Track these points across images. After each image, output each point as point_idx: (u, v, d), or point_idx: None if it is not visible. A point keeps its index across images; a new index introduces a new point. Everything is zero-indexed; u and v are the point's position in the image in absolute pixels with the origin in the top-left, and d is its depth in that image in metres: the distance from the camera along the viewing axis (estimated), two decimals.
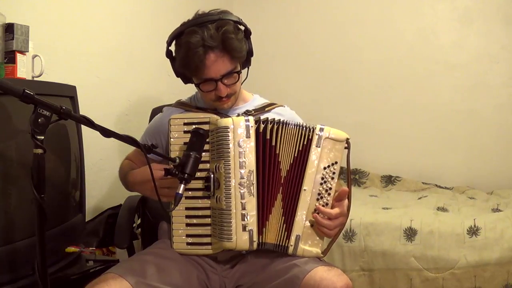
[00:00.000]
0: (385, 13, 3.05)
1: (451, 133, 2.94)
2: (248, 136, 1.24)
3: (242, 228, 1.22)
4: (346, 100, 3.16)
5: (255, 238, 1.22)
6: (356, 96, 3.13)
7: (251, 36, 1.35)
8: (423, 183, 2.93)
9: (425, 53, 2.96)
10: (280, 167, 1.26)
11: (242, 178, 1.22)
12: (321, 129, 1.25)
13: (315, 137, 1.25)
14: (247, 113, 1.36)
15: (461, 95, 2.90)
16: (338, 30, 3.16)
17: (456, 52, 2.91)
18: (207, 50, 1.23)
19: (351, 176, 3.02)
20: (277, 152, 1.25)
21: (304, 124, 1.27)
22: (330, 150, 1.25)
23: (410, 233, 2.05)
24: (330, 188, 1.25)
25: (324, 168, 1.25)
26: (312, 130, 1.26)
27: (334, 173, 1.25)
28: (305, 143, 1.25)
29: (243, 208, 1.22)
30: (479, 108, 2.87)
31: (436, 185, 2.90)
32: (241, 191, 1.22)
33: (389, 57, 3.04)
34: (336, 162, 1.25)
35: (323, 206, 1.24)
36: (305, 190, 1.24)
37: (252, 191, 1.23)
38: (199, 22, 1.25)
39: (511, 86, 2.82)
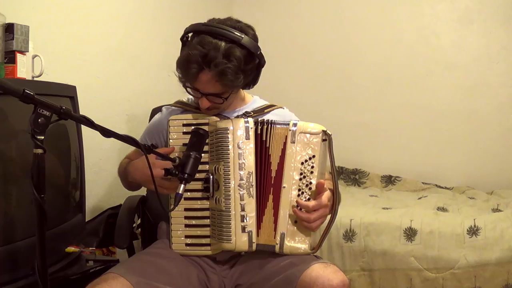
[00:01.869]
0: (385, 13, 3.05)
1: (451, 133, 2.94)
2: (247, 138, 1.24)
3: (242, 229, 1.22)
4: (346, 100, 3.15)
5: (254, 239, 1.22)
6: (356, 96, 3.13)
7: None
8: (423, 183, 2.93)
9: (425, 53, 2.96)
10: (271, 167, 1.26)
11: (241, 179, 1.22)
12: (294, 125, 1.25)
13: (289, 133, 1.24)
14: (246, 114, 1.35)
15: (461, 95, 2.90)
16: (338, 30, 3.16)
17: (456, 52, 2.91)
18: (202, 70, 1.20)
19: (352, 176, 3.02)
20: (270, 153, 1.26)
21: (283, 122, 1.27)
22: (306, 144, 1.24)
23: (410, 233, 2.05)
24: (311, 183, 1.24)
25: (302, 163, 1.24)
26: (286, 126, 1.25)
27: (313, 167, 1.24)
28: (284, 141, 1.25)
29: (243, 210, 1.22)
30: (479, 108, 2.87)
31: (436, 185, 2.90)
32: (241, 193, 1.22)
33: (389, 57, 3.04)
34: (313, 156, 1.24)
35: (304, 201, 1.23)
36: (284, 187, 1.24)
37: (252, 193, 1.23)
38: (219, 32, 1.20)
39: (511, 86, 2.82)
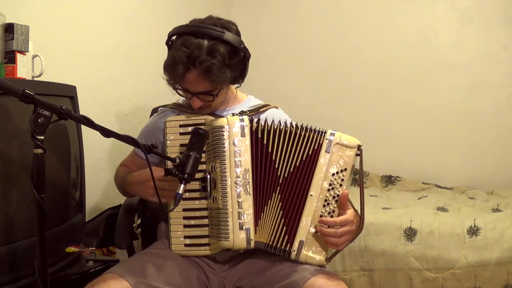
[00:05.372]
0: (385, 13, 3.05)
1: (451, 133, 2.94)
2: (243, 135, 1.24)
3: (239, 226, 1.21)
4: (346, 100, 3.16)
5: (252, 236, 1.22)
6: (356, 96, 3.14)
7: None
8: (423, 183, 2.93)
9: (425, 53, 2.96)
10: (276, 166, 1.24)
11: (238, 177, 1.22)
12: (332, 134, 1.23)
13: (325, 142, 1.23)
14: (242, 113, 1.35)
15: (461, 95, 2.91)
16: (338, 30, 3.16)
17: (456, 52, 2.91)
18: (188, 69, 1.22)
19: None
20: (270, 150, 1.25)
21: (315, 128, 1.26)
22: (340, 156, 1.22)
23: (410, 233, 2.05)
24: (338, 195, 1.22)
25: (333, 175, 1.22)
26: (322, 134, 1.24)
27: (342, 180, 1.22)
28: (315, 147, 1.23)
29: (240, 207, 1.21)
30: (479, 108, 2.87)
31: (436, 185, 2.90)
32: (237, 190, 1.22)
33: (389, 57, 3.04)
34: (345, 169, 1.22)
35: (329, 213, 1.22)
36: (311, 195, 1.22)
37: (248, 190, 1.22)
38: (200, 32, 1.23)
39: (511, 86, 2.82)
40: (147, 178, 1.23)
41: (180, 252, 1.31)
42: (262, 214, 1.24)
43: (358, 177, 1.26)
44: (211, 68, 1.21)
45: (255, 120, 1.26)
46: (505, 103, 2.82)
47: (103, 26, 2.16)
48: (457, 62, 2.91)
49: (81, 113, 1.54)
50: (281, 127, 1.26)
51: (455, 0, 2.92)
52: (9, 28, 1.47)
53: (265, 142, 1.25)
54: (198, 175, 1.25)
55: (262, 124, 1.25)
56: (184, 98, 1.46)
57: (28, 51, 1.54)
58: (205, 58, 1.20)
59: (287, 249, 1.23)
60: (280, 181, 1.25)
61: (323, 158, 1.22)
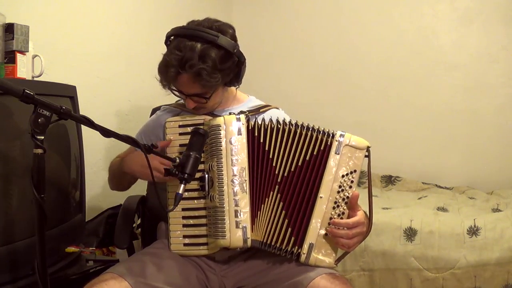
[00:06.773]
0: (385, 13, 3.05)
1: (451, 133, 2.94)
2: (239, 134, 1.24)
3: (236, 225, 1.21)
4: (346, 100, 3.16)
5: (248, 235, 1.21)
6: (356, 96, 3.14)
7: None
8: (423, 183, 2.93)
9: (425, 53, 2.96)
10: (273, 164, 1.24)
11: (234, 175, 1.22)
12: (342, 135, 1.22)
13: (335, 144, 1.22)
14: (240, 113, 1.35)
15: (461, 95, 2.91)
16: (338, 30, 3.16)
17: (456, 52, 2.91)
18: (179, 73, 1.23)
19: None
20: (266, 149, 1.24)
21: (319, 128, 1.25)
22: (349, 158, 1.22)
23: (410, 233, 2.05)
24: (347, 197, 1.21)
25: (342, 176, 1.21)
26: (331, 136, 1.23)
27: (352, 181, 1.22)
28: (321, 148, 1.23)
29: (236, 205, 1.21)
30: (479, 108, 2.87)
31: (436, 185, 2.90)
32: (234, 188, 1.22)
33: (389, 57, 3.04)
34: (355, 171, 1.22)
35: (338, 215, 1.21)
36: (321, 197, 1.21)
37: (245, 188, 1.22)
38: (195, 34, 1.23)
39: (511, 86, 2.82)
40: (143, 169, 1.25)
41: (179, 252, 1.31)
42: (259, 212, 1.24)
43: (366, 178, 1.25)
44: (201, 73, 1.21)
45: (252, 119, 1.26)
46: (505, 103, 2.83)
47: (103, 26, 2.17)
48: (457, 62, 2.91)
49: (81, 113, 1.54)
50: (279, 126, 1.25)
51: (455, 0, 2.92)
52: (9, 28, 1.47)
53: (261, 141, 1.25)
54: (197, 175, 1.25)
55: (259, 123, 1.26)
56: None
57: (28, 51, 1.54)
58: (196, 62, 1.20)
59: (295, 251, 1.22)
60: (279, 180, 1.24)
61: (333, 160, 1.21)
